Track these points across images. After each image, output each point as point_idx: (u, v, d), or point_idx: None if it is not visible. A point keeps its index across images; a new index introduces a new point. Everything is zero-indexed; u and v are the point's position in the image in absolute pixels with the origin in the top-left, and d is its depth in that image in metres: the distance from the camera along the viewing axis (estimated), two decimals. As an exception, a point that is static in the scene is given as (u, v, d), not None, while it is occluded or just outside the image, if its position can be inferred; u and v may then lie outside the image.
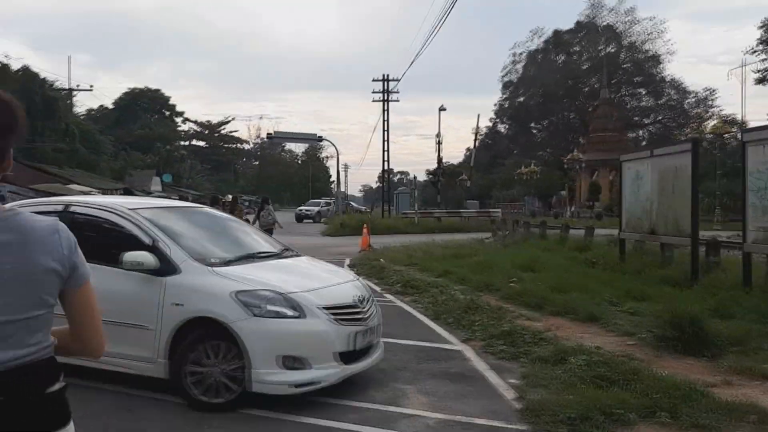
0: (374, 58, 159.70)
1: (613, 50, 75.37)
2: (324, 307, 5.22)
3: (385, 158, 47.75)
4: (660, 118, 78.79)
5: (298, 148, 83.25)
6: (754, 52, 49.82)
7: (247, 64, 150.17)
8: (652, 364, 5.99)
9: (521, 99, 77.93)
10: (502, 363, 6.63)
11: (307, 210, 48.92)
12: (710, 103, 74.45)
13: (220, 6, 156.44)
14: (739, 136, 8.77)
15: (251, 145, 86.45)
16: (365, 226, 20.05)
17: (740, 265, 10.57)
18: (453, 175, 62.77)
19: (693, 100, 75.89)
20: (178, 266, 5.26)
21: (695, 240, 10.30)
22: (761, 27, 49.01)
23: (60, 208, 5.90)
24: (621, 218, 12.96)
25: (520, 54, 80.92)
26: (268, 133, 54.16)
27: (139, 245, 5.37)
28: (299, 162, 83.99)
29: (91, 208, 5.88)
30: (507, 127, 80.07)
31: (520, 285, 10.32)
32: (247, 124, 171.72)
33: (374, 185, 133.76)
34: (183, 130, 73.77)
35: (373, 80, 50.05)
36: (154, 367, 5.20)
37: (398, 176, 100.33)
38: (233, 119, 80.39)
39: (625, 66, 76.86)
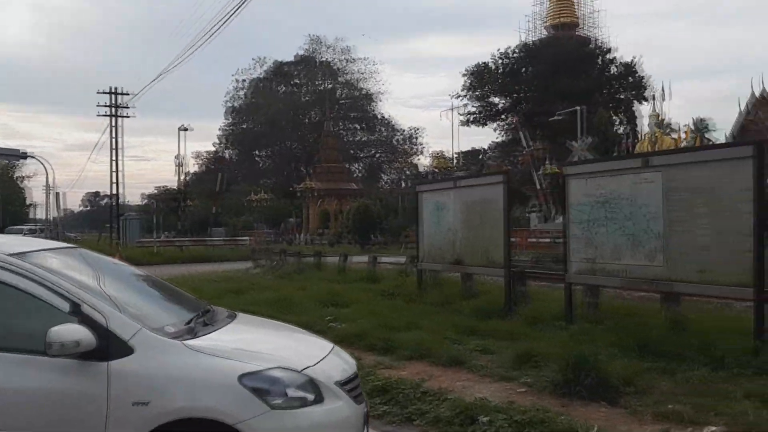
0: (82, 73, 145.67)
1: (330, 86, 78.98)
2: (339, 383, 3.63)
3: (115, 180, 43.82)
4: (373, 152, 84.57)
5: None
6: (459, 96, 56.41)
7: None
8: (569, 416, 5.37)
9: (245, 126, 77.41)
10: (397, 429, 5.50)
11: (6, 238, 41.58)
12: (415, 140, 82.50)
13: None
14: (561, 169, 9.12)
15: None
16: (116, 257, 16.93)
17: (546, 295, 10.93)
18: (174, 200, 59.43)
19: (401, 137, 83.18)
20: (128, 342, 3.26)
21: (509, 270, 10.28)
22: (464, 75, 55.62)
23: None
24: (419, 248, 12.63)
25: (243, 81, 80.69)
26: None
27: (45, 314, 3.26)
28: (-17, 182, 71.93)
29: None
30: (232, 153, 78.82)
31: (343, 324, 9.23)
32: None
33: (76, 210, 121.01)
34: None
35: (99, 92, 45.77)
36: None
37: (105, 200, 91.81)
38: None
39: (342, 101, 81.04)
